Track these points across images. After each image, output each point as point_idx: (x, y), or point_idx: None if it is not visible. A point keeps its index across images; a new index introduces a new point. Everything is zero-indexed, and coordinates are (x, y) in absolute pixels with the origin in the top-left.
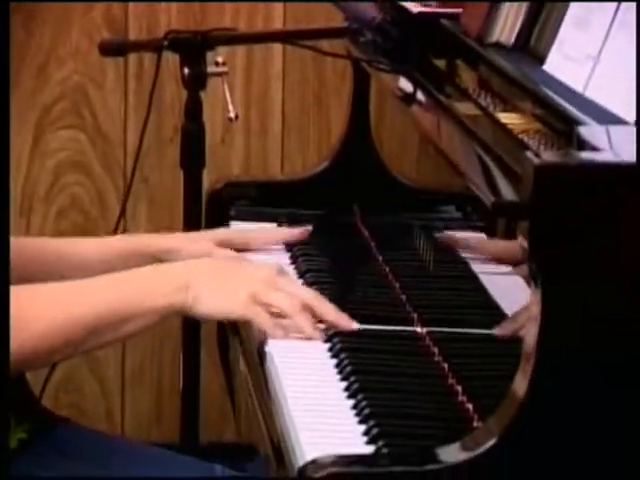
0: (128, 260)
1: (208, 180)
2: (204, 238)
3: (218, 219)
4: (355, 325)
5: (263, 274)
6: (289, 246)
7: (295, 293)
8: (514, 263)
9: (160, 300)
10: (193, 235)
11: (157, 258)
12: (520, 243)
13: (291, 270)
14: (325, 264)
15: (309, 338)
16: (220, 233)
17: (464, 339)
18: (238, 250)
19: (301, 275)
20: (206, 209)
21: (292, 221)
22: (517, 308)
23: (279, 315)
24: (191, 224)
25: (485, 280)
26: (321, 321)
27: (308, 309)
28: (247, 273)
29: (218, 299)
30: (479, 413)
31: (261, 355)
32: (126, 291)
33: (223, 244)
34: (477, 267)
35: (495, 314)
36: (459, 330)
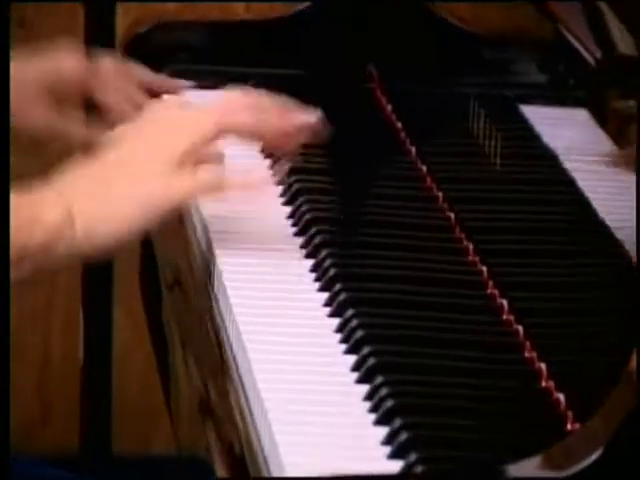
0: None
1: (125, 20)
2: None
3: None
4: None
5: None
6: None
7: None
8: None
9: (32, 243)
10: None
11: None
12: None
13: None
14: (323, 159)
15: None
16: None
17: (551, 284)
18: None
19: (281, 179)
20: None
21: (266, 87)
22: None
23: None
24: None
25: (587, 187)
26: None
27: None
28: (154, 140)
29: (121, 210)
30: (576, 408)
31: (211, 310)
32: None
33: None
34: (574, 165)
35: (603, 243)
36: (543, 269)
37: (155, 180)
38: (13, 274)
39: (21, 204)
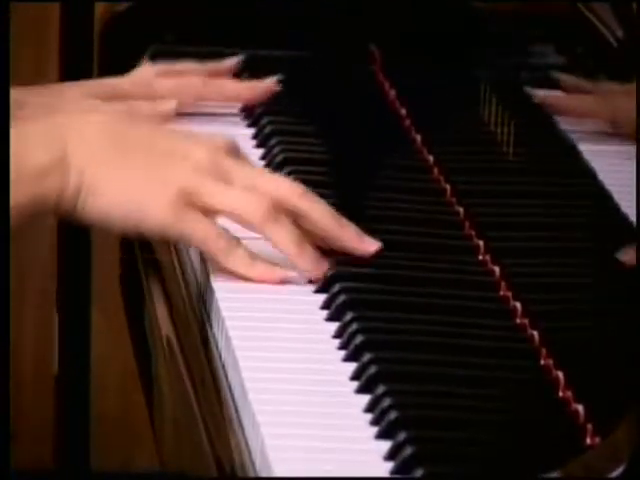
0: None
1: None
2: (72, 90)
3: (122, 65)
4: (376, 245)
5: (202, 153)
6: (251, 113)
7: (261, 184)
8: None
9: (17, 189)
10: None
11: None
12: None
13: (255, 157)
14: (319, 149)
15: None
16: (109, 83)
17: (569, 285)
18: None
19: (276, 167)
20: (100, 47)
21: (258, 70)
22: None
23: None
24: (73, 73)
25: (608, 179)
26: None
27: (288, 214)
28: (173, 149)
29: (123, 193)
30: (596, 420)
31: (202, 309)
32: None
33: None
34: (595, 156)
35: (625, 239)
36: (560, 269)
37: (167, 191)
38: None
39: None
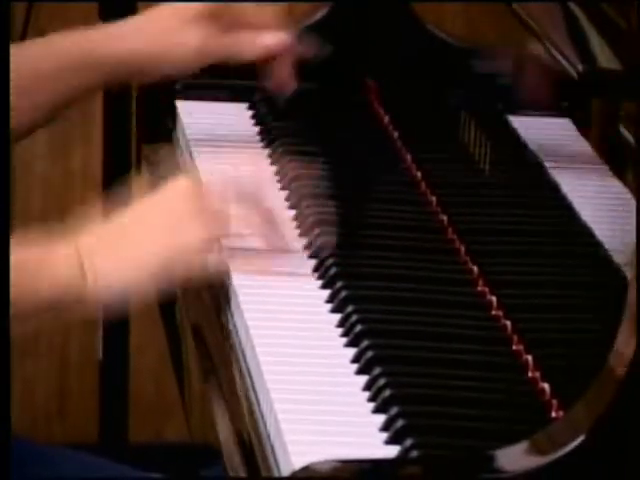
0: (80, 74)
1: None
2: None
3: (155, 100)
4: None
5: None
6: (268, 138)
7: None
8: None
9: (45, 293)
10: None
11: (124, 71)
12: (621, 134)
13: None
14: (326, 166)
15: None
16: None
17: (537, 282)
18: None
19: (289, 182)
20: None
21: (270, 101)
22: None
23: None
24: (112, 116)
25: (570, 191)
26: None
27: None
28: (160, 220)
29: (127, 263)
30: (560, 397)
31: (221, 309)
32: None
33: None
34: (558, 171)
35: (584, 243)
36: (530, 268)
37: (175, 244)
38: (17, 329)
39: (30, 258)
